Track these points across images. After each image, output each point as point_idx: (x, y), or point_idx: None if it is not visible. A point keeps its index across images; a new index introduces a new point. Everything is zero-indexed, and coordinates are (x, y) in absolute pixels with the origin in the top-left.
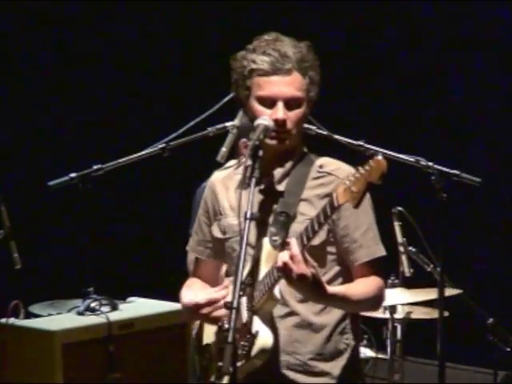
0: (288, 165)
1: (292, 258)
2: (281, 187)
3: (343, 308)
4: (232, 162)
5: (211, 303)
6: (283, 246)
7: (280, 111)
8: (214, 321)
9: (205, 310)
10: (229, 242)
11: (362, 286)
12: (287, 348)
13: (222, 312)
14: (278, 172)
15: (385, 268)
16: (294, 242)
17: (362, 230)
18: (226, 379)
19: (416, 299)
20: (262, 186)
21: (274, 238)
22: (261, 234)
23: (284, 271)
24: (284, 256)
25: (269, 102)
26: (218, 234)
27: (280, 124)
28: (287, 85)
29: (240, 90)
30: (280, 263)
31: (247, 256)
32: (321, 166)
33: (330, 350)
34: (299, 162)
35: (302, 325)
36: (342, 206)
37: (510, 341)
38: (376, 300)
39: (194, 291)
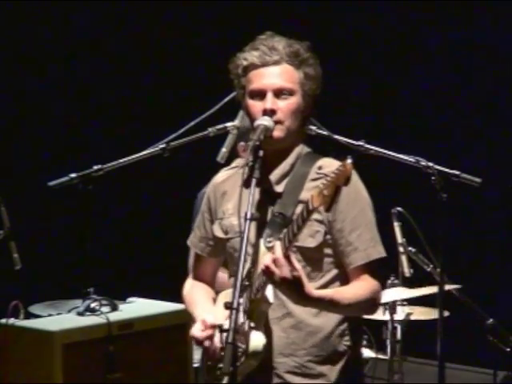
0: (287, 164)
1: (274, 261)
2: (279, 188)
3: (333, 311)
4: (238, 162)
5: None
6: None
7: (268, 101)
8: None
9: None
10: (230, 242)
11: (353, 290)
12: (284, 350)
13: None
14: (276, 173)
15: (384, 269)
16: (277, 246)
17: (358, 232)
18: (225, 379)
19: (415, 295)
20: (263, 187)
21: (269, 239)
22: (259, 234)
23: (267, 274)
24: (267, 259)
25: (259, 95)
26: (219, 233)
27: (269, 113)
28: (276, 75)
29: (238, 91)
30: (263, 266)
31: (248, 256)
32: (319, 168)
33: (328, 352)
34: (299, 161)
35: (299, 326)
36: (316, 209)
37: (510, 341)
38: (370, 303)
39: (196, 299)
